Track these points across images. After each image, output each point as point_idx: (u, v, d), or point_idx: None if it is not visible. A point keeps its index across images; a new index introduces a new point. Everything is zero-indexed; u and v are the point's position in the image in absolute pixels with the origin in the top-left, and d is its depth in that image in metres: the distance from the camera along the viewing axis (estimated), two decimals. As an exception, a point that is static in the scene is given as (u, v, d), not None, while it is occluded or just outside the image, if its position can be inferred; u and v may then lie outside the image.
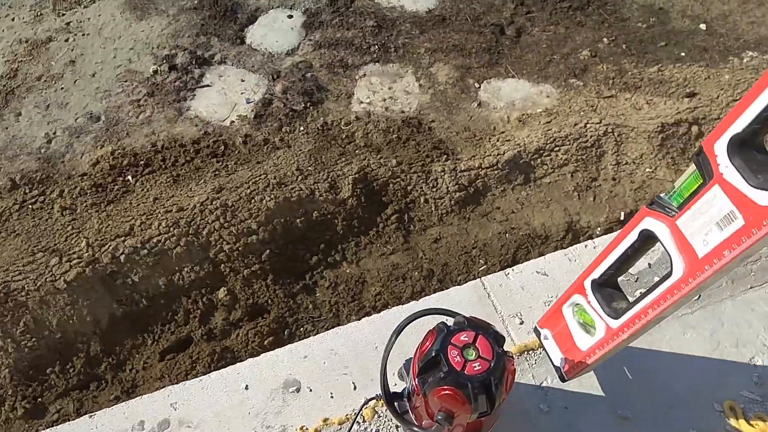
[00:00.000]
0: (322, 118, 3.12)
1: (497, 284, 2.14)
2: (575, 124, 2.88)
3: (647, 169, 2.77)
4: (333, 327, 2.43)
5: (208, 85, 3.29)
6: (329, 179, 2.69)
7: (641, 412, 1.84)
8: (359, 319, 2.44)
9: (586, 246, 2.25)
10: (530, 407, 1.85)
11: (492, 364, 1.29)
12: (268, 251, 2.53)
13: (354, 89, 3.30)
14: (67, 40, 3.57)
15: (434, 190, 2.77)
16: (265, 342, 2.36)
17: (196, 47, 3.46)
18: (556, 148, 2.82)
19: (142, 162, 2.88)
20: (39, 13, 3.73)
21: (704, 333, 2.01)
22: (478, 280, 2.16)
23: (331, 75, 3.36)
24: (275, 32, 3.57)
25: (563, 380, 1.68)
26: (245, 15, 3.67)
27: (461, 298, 2.11)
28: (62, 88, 3.32)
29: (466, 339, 1.32)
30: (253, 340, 2.35)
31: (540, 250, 2.64)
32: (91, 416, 1.91)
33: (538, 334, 1.81)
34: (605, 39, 3.53)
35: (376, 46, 3.48)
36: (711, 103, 2.94)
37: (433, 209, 2.74)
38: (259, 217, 2.52)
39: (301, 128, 3.06)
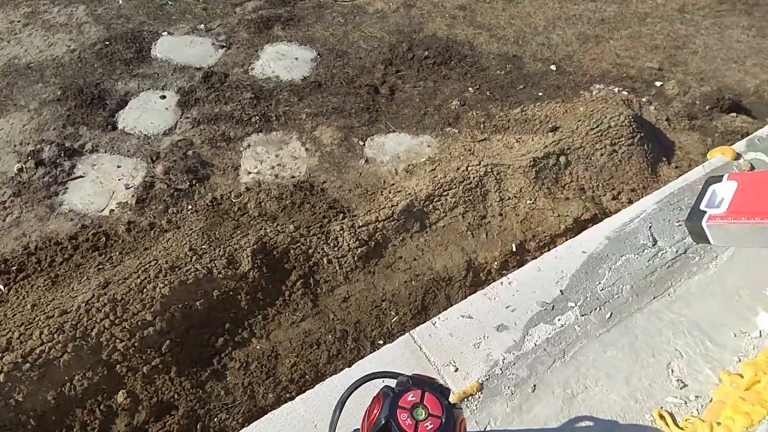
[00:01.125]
0: (210, 194, 3.04)
1: (426, 335, 2.13)
2: (458, 168, 3.04)
3: (528, 201, 2.96)
4: (249, 410, 2.31)
5: (80, 176, 3.10)
6: (226, 255, 2.60)
7: None
8: (276, 396, 2.34)
9: (501, 283, 2.31)
10: None
11: (443, 420, 1.27)
12: (168, 342, 2.36)
13: (240, 161, 3.26)
14: None
15: (336, 249, 2.76)
16: (178, 440, 2.17)
17: (63, 139, 3.28)
18: (445, 193, 2.94)
19: (13, 268, 2.63)
20: None
21: (623, 348, 2.10)
22: (408, 334, 2.14)
23: (214, 150, 3.31)
24: (149, 114, 3.47)
25: None
26: (114, 100, 3.55)
27: (394, 356, 2.07)
28: None
29: (414, 399, 1.29)
30: (163, 441, 2.15)
31: (446, 293, 2.69)
32: None
33: None
34: (471, 88, 3.80)
35: (257, 117, 3.50)
36: (572, 133, 3.23)
37: (337, 268, 2.73)
38: (154, 306, 2.37)
39: (189, 207, 2.96)
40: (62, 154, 3.17)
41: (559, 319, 2.18)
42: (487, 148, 3.25)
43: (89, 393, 2.21)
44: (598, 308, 2.22)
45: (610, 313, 2.21)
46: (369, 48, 4.10)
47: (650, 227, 2.50)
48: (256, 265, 2.59)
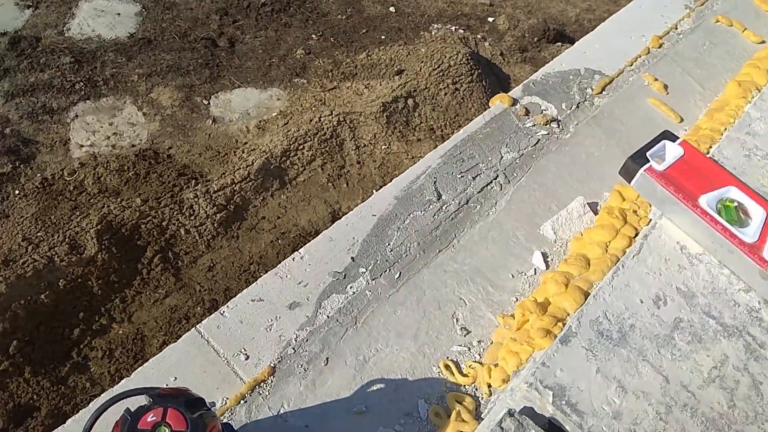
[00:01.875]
0: (39, 175, 2.72)
1: (215, 327, 1.99)
2: (311, 120, 3.00)
3: (383, 147, 3.03)
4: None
5: None
6: (67, 240, 2.38)
7: (374, 401, 1.88)
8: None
9: (294, 259, 2.22)
10: None
11: None
12: (15, 342, 2.14)
13: (69, 134, 2.94)
14: None
15: (192, 218, 2.64)
16: (44, 445, 2.01)
17: None
18: (301, 147, 2.91)
19: None
20: None
21: (411, 306, 2.12)
22: (194, 329, 1.98)
23: (36, 125, 2.95)
24: (-54, 90, 2.98)
25: None
26: None
27: (179, 356, 1.91)
28: None
29: (155, 418, 1.22)
30: (26, 449, 1.98)
31: (313, 246, 2.71)
32: None
33: None
34: (314, 35, 3.73)
35: (82, 83, 3.15)
36: (417, 75, 3.32)
37: (197, 238, 2.62)
38: (-10, 307, 2.12)
39: (16, 192, 2.64)
40: None
41: (351, 287, 2.15)
42: (338, 96, 3.24)
43: (-75, 416, 1.96)
44: (387, 270, 2.22)
45: (399, 272, 2.21)
46: (201, -2, 3.83)
47: (435, 182, 2.52)
48: (103, 247, 2.40)
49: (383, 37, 3.82)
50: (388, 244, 2.29)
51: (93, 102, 3.10)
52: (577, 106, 2.90)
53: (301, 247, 2.71)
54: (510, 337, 2.03)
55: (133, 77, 3.26)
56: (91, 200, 2.62)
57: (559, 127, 2.81)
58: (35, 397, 2.12)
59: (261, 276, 2.60)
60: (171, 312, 2.40)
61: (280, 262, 2.64)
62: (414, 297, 2.14)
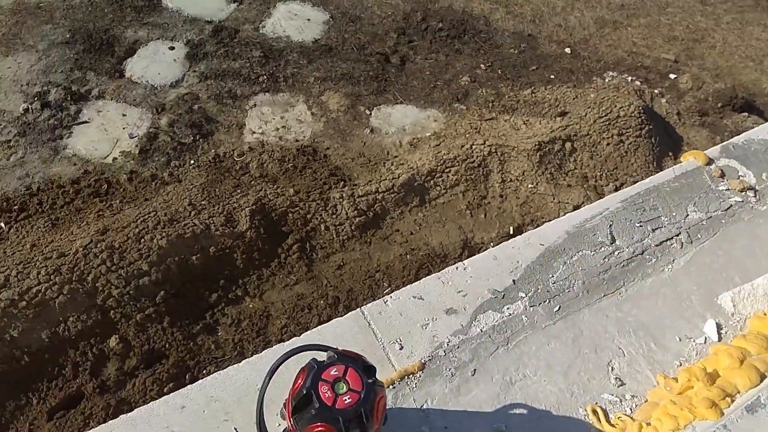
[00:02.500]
0: (213, 151, 3.04)
1: (377, 312, 2.16)
2: (462, 146, 3.04)
3: (530, 185, 2.97)
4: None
5: (86, 122, 3.10)
6: (225, 212, 2.62)
7: (514, 423, 1.90)
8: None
9: (457, 268, 2.33)
10: (412, 430, 1.86)
11: (362, 396, 1.31)
12: (162, 292, 2.40)
13: (245, 119, 3.25)
14: None
15: (334, 216, 2.78)
16: (165, 389, 2.22)
17: (70, 83, 3.26)
18: (447, 170, 2.95)
19: (15, 207, 2.65)
20: None
21: (567, 342, 2.12)
22: (359, 309, 2.17)
23: (220, 106, 3.30)
24: (157, 64, 3.45)
25: None
26: (123, 48, 3.51)
27: (343, 330, 2.10)
28: None
29: (336, 373, 1.34)
30: (151, 388, 2.21)
31: (440, 269, 2.73)
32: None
33: None
34: (482, 65, 3.77)
35: (265, 76, 3.47)
36: (581, 120, 3.22)
37: (334, 236, 2.75)
38: (151, 257, 2.40)
39: (192, 162, 2.97)
40: (69, 98, 3.16)
41: (508, 308, 2.20)
42: (494, 127, 3.24)
43: (83, 335, 2.26)
44: (547, 300, 2.24)
45: (558, 306, 2.23)
46: (383, 15, 4.05)
47: (611, 225, 2.49)
48: (253, 226, 2.61)
49: (552, 76, 3.76)
50: (552, 276, 2.32)
51: (271, 95, 3.40)
52: (780, 179, 2.67)
53: (428, 266, 2.74)
54: (669, 399, 1.96)
55: (310, 79, 3.53)
56: (252, 182, 2.86)
57: (755, 196, 2.61)
58: (167, 345, 2.36)
59: (383, 285, 2.68)
60: (297, 299, 2.54)
61: (404, 276, 2.70)
62: (570, 334, 2.15)
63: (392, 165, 3.02)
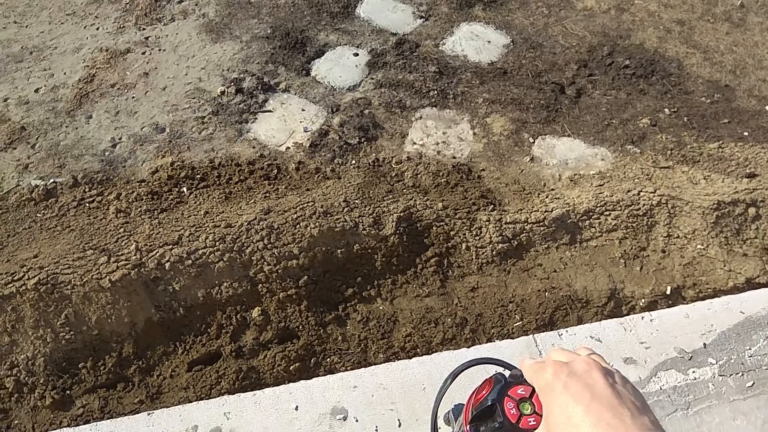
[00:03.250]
0: (374, 154, 3.17)
1: (549, 343, 2.12)
2: (628, 191, 2.85)
3: (699, 246, 2.70)
4: (359, 362, 2.43)
5: (269, 111, 3.41)
6: (374, 214, 2.72)
7: None
8: (386, 359, 2.43)
9: (642, 318, 2.21)
10: None
11: None
12: (306, 277, 2.55)
13: (409, 130, 3.35)
14: (143, 53, 3.78)
15: (477, 238, 2.76)
16: (291, 367, 2.36)
17: (263, 74, 3.61)
18: (607, 212, 2.79)
19: (198, 176, 2.99)
20: (122, 26, 3.96)
21: (756, 422, 1.95)
22: (531, 336, 2.14)
23: (388, 114, 3.44)
24: (340, 68, 3.68)
25: None
26: (313, 49, 3.81)
27: (512, 352, 2.09)
28: (133, 98, 3.49)
29: (523, 393, 1.30)
30: (279, 363, 2.35)
31: (579, 314, 2.58)
32: (150, 414, 1.98)
33: None
34: (666, 109, 3.51)
35: (436, 92, 3.55)
36: (772, 186, 2.86)
37: (473, 257, 2.73)
38: (302, 242, 2.56)
39: (353, 162, 3.13)
40: (259, 87, 3.50)
41: (693, 372, 2.06)
42: (668, 177, 3.00)
43: (231, 301, 2.48)
44: (740, 373, 2.06)
45: (752, 382, 2.03)
46: (566, 45, 3.94)
47: None
48: (398, 232, 2.67)
49: (746, 133, 3.38)
50: (750, 348, 2.16)
51: (438, 110, 3.47)
52: None
53: (566, 308, 2.61)
54: None
55: (478, 99, 3.54)
56: (404, 190, 2.94)
57: None
58: (300, 327, 2.50)
59: (515, 317, 2.59)
60: (425, 311, 2.55)
61: (539, 313, 2.60)
62: (762, 414, 1.99)
63: (547, 197, 2.92)
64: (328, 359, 2.41)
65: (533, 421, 1.27)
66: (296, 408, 1.97)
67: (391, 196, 2.88)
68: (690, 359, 2.09)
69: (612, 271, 2.69)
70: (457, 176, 3.06)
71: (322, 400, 1.98)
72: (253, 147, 3.18)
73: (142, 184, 2.94)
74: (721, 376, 2.04)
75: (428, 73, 3.68)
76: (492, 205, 2.91)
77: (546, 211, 2.81)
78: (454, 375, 1.47)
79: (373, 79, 3.64)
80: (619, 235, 2.75)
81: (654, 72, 3.74)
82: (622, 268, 2.70)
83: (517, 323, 2.57)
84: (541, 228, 2.78)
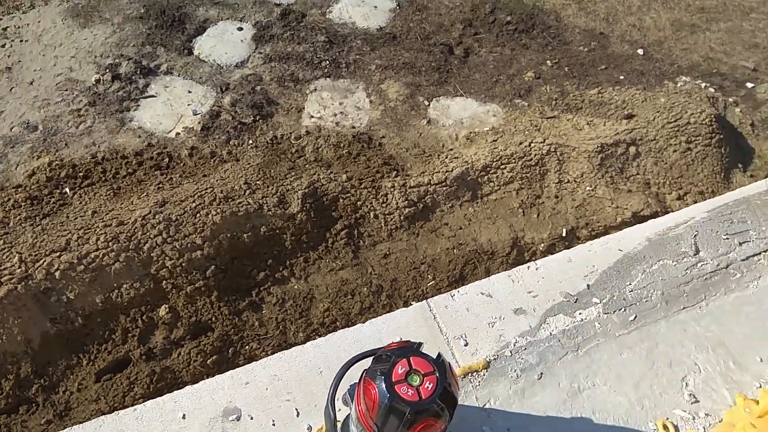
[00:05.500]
0: (271, 132, 3.09)
1: (443, 306, 2.13)
2: (520, 143, 2.96)
3: (587, 188, 2.87)
4: (280, 344, 2.40)
5: (153, 96, 3.21)
6: (278, 194, 2.66)
7: None
8: (306, 337, 2.42)
9: (528, 267, 2.27)
10: (474, 429, 1.84)
11: (438, 374, 1.30)
12: (212, 267, 2.47)
13: (304, 103, 3.29)
14: (3, 46, 3.42)
15: (384, 205, 2.78)
16: (209, 361, 2.29)
17: (141, 57, 3.38)
18: (502, 166, 2.89)
19: (80, 174, 2.78)
20: (-28, 16, 3.56)
21: (640, 353, 2.05)
22: (425, 302, 2.15)
23: (281, 89, 3.34)
24: (224, 44, 3.52)
25: None
26: (193, 26, 3.61)
27: (407, 321, 2.09)
28: (-4, 95, 3.16)
29: (403, 369, 1.31)
30: (195, 359, 2.28)
31: (486, 266, 2.68)
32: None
33: None
34: (549, 61, 3.66)
35: (327, 62, 3.49)
36: (648, 124, 3.08)
37: (382, 225, 2.75)
38: (204, 232, 2.46)
39: (250, 141, 3.03)
40: (138, 72, 3.28)
41: (580, 313, 2.14)
42: (555, 126, 3.15)
43: (134, 302, 2.35)
44: (623, 309, 2.17)
45: (634, 315, 2.15)
46: (450, 5, 3.99)
47: (695, 236, 2.38)
48: (304, 209, 2.64)
49: (621, 77, 3.61)
50: (629, 284, 2.25)
51: (332, 81, 3.42)
52: None
53: (474, 262, 2.70)
54: (749, 422, 1.86)
55: (371, 66, 3.52)
56: (306, 165, 2.89)
57: None
58: (213, 319, 2.42)
59: (427, 277, 2.66)
60: (341, 284, 2.56)
61: (450, 270, 2.67)
62: (645, 345, 2.08)
63: (446, 158, 2.98)
64: (247, 347, 2.36)
65: (429, 383, 1.29)
66: (183, 416, 1.84)
67: (293, 173, 2.83)
68: (576, 302, 2.17)
69: (512, 222, 2.81)
70: (358, 146, 3.04)
71: (211, 404, 1.87)
72: (139, 136, 2.99)
73: (19, 189, 2.69)
74: (605, 314, 2.14)
75: (318, 43, 3.60)
76: (395, 171, 2.93)
77: (447, 172, 2.88)
78: (339, 377, 1.47)
79: (261, 53, 3.51)
80: (515, 187, 2.87)
81: (534, 26, 3.88)
82: (521, 217, 2.82)
83: (430, 282, 2.63)
84: (444, 188, 2.84)
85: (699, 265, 2.30)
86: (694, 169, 3.01)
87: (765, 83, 3.71)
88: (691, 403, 1.96)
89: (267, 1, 3.86)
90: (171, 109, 3.15)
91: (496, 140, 3.06)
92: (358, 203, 2.76)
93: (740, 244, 2.36)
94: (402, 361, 1.32)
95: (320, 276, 2.60)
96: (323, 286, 2.56)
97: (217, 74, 3.37)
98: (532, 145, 2.95)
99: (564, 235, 2.77)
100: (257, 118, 3.15)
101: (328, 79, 3.42)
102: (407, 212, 2.77)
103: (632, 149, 2.98)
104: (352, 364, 1.50)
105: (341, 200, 2.74)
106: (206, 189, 2.61)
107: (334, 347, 2.01)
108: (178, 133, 3.03)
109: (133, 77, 3.26)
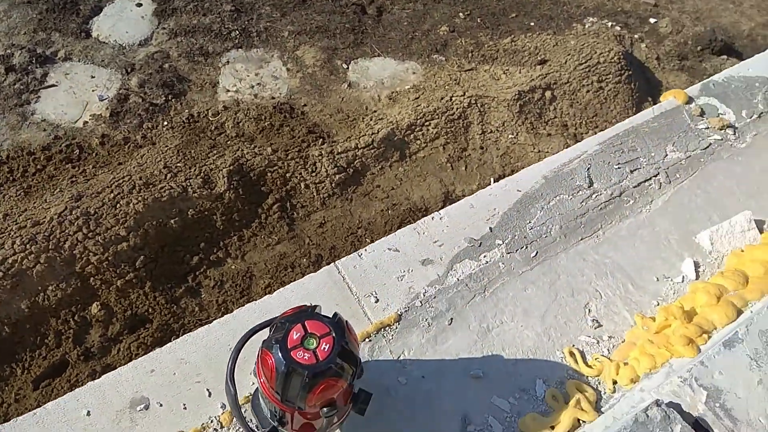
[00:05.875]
0: (186, 111, 2.97)
1: (351, 266, 2.13)
2: (442, 98, 2.99)
3: (510, 135, 2.95)
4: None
5: (53, 85, 3.00)
6: (202, 174, 2.58)
7: (492, 369, 1.92)
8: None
9: (432, 218, 2.29)
10: (390, 382, 1.87)
11: (335, 335, 1.31)
12: (142, 257, 2.38)
13: (218, 78, 3.16)
14: None
15: (314, 174, 2.75)
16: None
17: (35, 45, 3.13)
18: (427, 123, 2.91)
19: (-17, 176, 2.58)
20: None
21: (543, 286, 2.13)
22: (333, 264, 2.14)
23: (191, 64, 3.20)
24: (124, 22, 3.32)
25: None
26: (88, 6, 3.37)
27: (317, 285, 2.08)
28: None
29: (299, 334, 1.31)
30: (136, 353, 2.21)
31: (421, 223, 2.72)
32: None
33: None
34: (461, 14, 3.67)
35: (237, 32, 3.36)
36: (561, 68, 3.17)
37: (314, 194, 2.73)
38: (128, 222, 2.36)
39: (165, 123, 2.90)
40: (34, 61, 3.05)
41: (484, 256, 2.19)
42: (473, 78, 3.18)
43: (63, 304, 2.24)
44: (524, 247, 2.23)
45: (535, 251, 2.22)
46: (358, -36, 3.90)
47: (588, 168, 2.47)
48: (232, 187, 2.57)
49: (532, 24, 3.68)
50: (529, 222, 2.30)
51: (244, 51, 3.30)
52: (759, 116, 2.68)
53: (409, 220, 2.73)
54: (647, 338, 1.98)
55: (284, 33, 3.42)
56: (228, 142, 2.81)
57: (735, 134, 2.61)
58: (150, 310, 2.35)
59: (365, 241, 2.67)
60: (279, 258, 2.53)
61: (386, 231, 2.69)
62: (547, 279, 2.15)
63: (371, 120, 2.97)
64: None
65: (325, 344, 1.30)
66: (88, 413, 1.77)
67: (215, 151, 2.74)
68: (480, 245, 2.22)
69: (442, 176, 2.85)
70: (280, 117, 2.98)
71: (116, 397, 1.81)
72: (44, 130, 2.80)
73: None
74: (508, 253, 2.21)
75: (224, 12, 3.46)
76: (321, 139, 2.90)
77: (373, 134, 2.87)
78: (234, 356, 1.46)
79: (164, 28, 3.34)
80: (441, 142, 2.90)
81: (444, -22, 3.86)
82: (450, 171, 2.87)
83: (369, 246, 2.64)
84: (372, 151, 2.83)
85: (594, 196, 2.39)
86: (607, 107, 3.14)
87: (666, 17, 3.88)
88: (595, 328, 2.05)
89: (165, -28, 3.64)
90: (75, 97, 2.96)
91: (418, 98, 3.07)
92: (287, 175, 2.71)
93: (631, 171, 2.47)
94: (296, 326, 1.31)
95: (257, 253, 2.56)
96: (261, 262, 2.53)
97: (120, 55, 3.18)
98: (453, 99, 2.98)
99: (491, 184, 2.84)
100: (169, 97, 3.01)
101: (240, 49, 3.30)
102: (338, 179, 2.75)
103: (548, 93, 3.07)
104: (249, 337, 1.48)
105: (269, 174, 2.69)
106: (124, 177, 2.49)
107: (242, 322, 1.97)
108: (85, 122, 2.86)
109: (29, 67, 3.02)
